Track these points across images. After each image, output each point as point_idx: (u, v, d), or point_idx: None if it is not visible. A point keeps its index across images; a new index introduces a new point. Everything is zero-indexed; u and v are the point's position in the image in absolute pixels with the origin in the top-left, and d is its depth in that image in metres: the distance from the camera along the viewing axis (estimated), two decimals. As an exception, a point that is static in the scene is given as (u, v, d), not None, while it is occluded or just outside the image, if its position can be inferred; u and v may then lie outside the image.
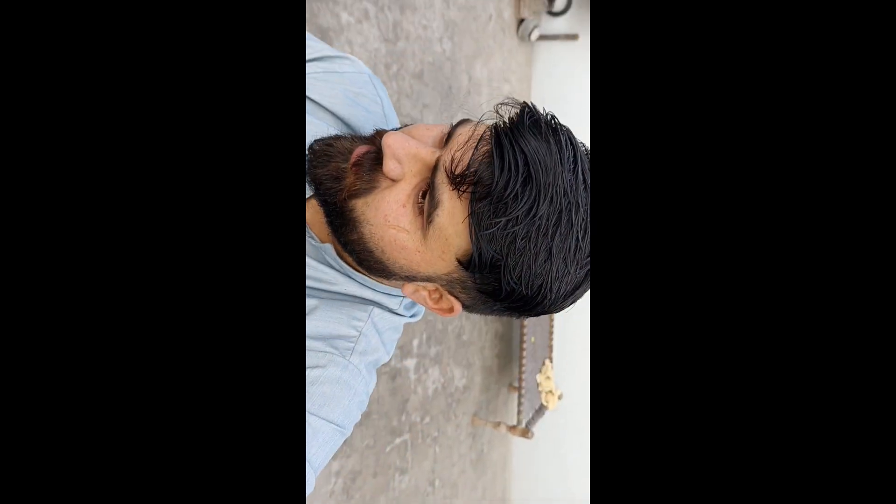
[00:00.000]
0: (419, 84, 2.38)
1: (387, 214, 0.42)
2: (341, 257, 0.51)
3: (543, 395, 3.23)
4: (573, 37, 3.40)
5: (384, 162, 0.42)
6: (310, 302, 0.51)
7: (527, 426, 3.01)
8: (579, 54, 3.37)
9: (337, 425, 0.48)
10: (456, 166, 0.39)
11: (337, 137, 0.47)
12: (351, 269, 0.51)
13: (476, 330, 3.16)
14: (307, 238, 0.52)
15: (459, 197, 0.39)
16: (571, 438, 3.63)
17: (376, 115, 0.60)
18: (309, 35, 0.59)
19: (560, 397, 3.36)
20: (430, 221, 0.41)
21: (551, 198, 0.37)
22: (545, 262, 0.38)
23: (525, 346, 3.00)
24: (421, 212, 0.42)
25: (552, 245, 0.38)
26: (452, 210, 0.39)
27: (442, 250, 0.42)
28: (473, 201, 0.38)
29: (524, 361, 3.01)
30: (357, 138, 0.47)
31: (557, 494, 3.67)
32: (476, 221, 0.38)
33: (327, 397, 0.47)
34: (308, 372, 0.47)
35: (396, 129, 0.47)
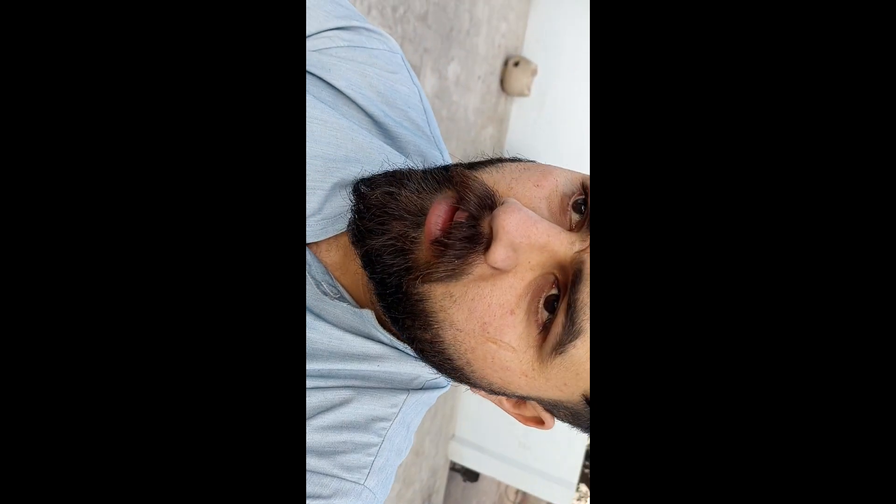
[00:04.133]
0: (423, 27, 2.32)
1: (487, 323, 0.30)
2: (383, 326, 0.38)
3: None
4: (576, -23, 3.28)
5: (493, 249, 0.29)
6: (336, 394, 0.38)
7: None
8: (584, 3, 3.28)
9: None
10: None
11: (398, 179, 0.33)
12: (403, 343, 0.38)
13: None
14: (339, 299, 0.38)
15: None
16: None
17: (415, 112, 0.46)
18: None
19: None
20: (561, 352, 0.30)
21: None
22: None
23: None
24: (539, 326, 0.31)
25: None
26: None
27: (565, 383, 0.31)
28: None
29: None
30: (424, 181, 0.33)
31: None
32: None
33: None
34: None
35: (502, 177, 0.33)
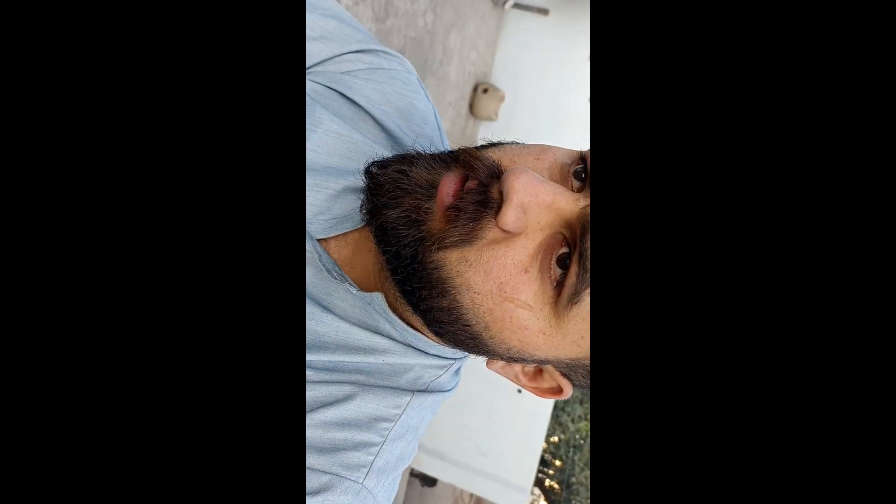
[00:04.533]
0: (400, 60, 2.44)
1: (503, 283, 0.32)
2: (393, 310, 0.39)
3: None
4: (544, 11, 3.48)
5: (504, 210, 0.31)
6: (340, 390, 0.38)
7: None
8: (546, 29, 3.48)
9: None
10: None
11: (409, 160, 0.35)
12: (414, 333, 0.39)
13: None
14: (344, 284, 0.39)
15: None
16: (485, 379, 4.13)
17: (430, 128, 0.48)
18: (354, 21, 0.48)
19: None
20: (576, 302, 0.31)
21: None
22: None
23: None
24: (553, 282, 0.32)
25: None
26: None
27: (581, 336, 0.32)
28: None
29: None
30: (433, 160, 0.35)
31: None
32: None
33: None
34: (308, 500, 0.35)
35: (513, 155, 0.36)
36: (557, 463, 7.93)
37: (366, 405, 0.38)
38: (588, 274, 0.30)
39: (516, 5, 3.47)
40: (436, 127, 0.49)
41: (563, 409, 7.32)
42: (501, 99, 3.41)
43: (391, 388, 0.40)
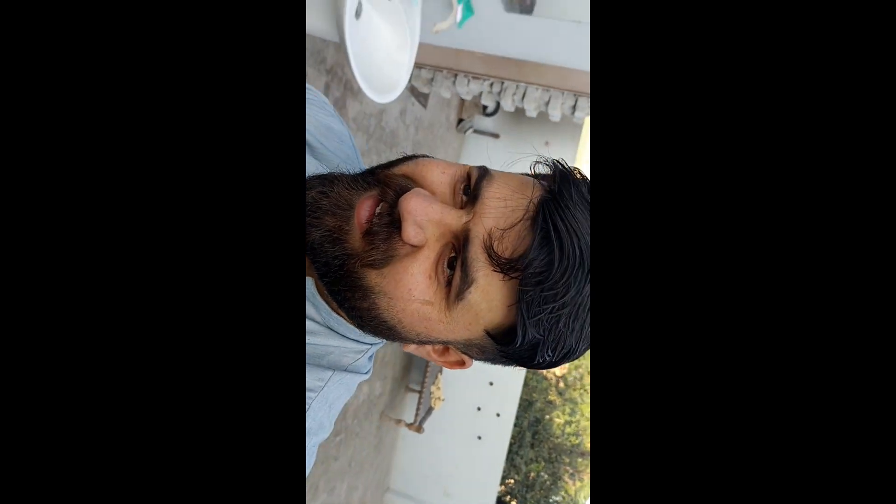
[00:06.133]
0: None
1: (411, 289, 0.38)
2: (322, 298, 0.45)
3: (433, 399, 4.39)
4: (496, 135, 4.44)
5: (404, 228, 0.37)
6: None
7: (420, 423, 4.15)
8: (498, 147, 4.43)
9: None
10: (504, 250, 0.36)
11: (330, 180, 0.41)
12: (337, 318, 0.45)
13: (393, 351, 4.20)
14: None
15: (501, 278, 0.36)
16: (449, 427, 4.89)
17: (347, 146, 0.56)
18: None
19: (442, 400, 4.55)
20: (461, 299, 0.38)
21: (589, 277, 0.36)
22: (577, 332, 0.38)
23: (430, 367, 4.11)
24: (445, 282, 0.38)
25: (585, 319, 0.38)
26: (487, 288, 0.37)
27: (469, 323, 0.39)
28: (523, 287, 0.36)
29: (426, 378, 4.12)
30: (353, 181, 0.41)
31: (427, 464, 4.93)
32: (525, 308, 0.36)
33: None
34: None
35: (412, 168, 0.41)
36: (513, 503, 8.65)
37: None
38: (468, 277, 0.37)
39: (475, 131, 4.42)
40: (351, 146, 0.57)
41: (516, 454, 8.10)
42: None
43: (314, 365, 0.46)
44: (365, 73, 1.28)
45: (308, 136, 0.52)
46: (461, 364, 0.46)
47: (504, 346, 0.39)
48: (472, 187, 0.39)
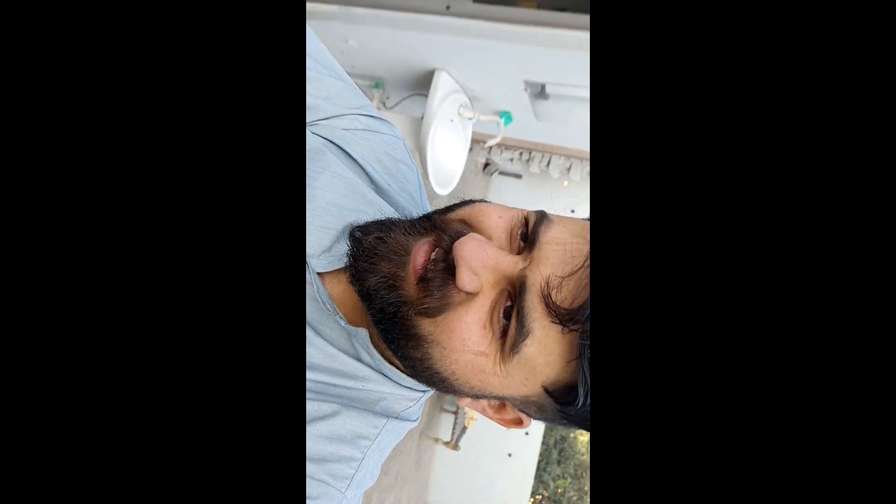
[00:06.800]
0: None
1: (465, 339, 0.37)
2: (375, 347, 0.44)
3: (467, 419, 4.78)
4: (518, 176, 4.89)
5: (458, 274, 0.36)
6: (328, 406, 0.44)
7: (456, 442, 4.55)
8: (520, 188, 4.88)
9: None
10: (563, 300, 0.34)
11: (388, 226, 0.41)
12: (389, 366, 0.44)
13: (430, 375, 4.61)
14: (334, 317, 0.44)
15: (560, 330, 0.34)
16: (482, 446, 5.29)
17: (412, 186, 0.56)
18: (354, 85, 0.56)
19: (475, 419, 4.94)
20: (517, 351, 0.36)
21: None
22: None
23: (462, 389, 4.50)
24: (501, 332, 0.37)
25: None
26: (545, 340, 0.35)
27: (526, 378, 0.37)
28: (584, 341, 0.33)
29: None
30: (410, 227, 0.41)
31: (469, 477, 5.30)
32: (587, 365, 0.33)
33: None
34: None
35: (466, 211, 0.41)
36: (541, 518, 8.92)
37: (349, 422, 0.44)
38: (524, 328, 0.35)
39: (500, 173, 4.88)
40: (417, 186, 0.57)
41: (544, 470, 8.40)
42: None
43: (367, 410, 0.46)
44: (434, 174, 1.73)
45: (376, 175, 0.53)
46: (518, 423, 0.44)
47: (564, 405, 0.37)
48: (529, 232, 0.38)
